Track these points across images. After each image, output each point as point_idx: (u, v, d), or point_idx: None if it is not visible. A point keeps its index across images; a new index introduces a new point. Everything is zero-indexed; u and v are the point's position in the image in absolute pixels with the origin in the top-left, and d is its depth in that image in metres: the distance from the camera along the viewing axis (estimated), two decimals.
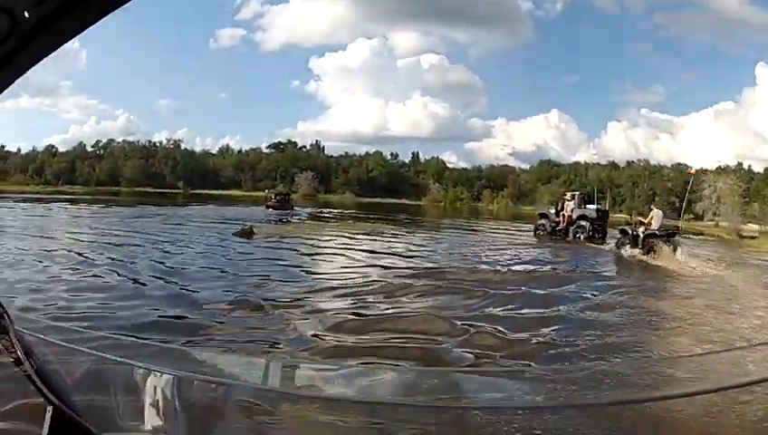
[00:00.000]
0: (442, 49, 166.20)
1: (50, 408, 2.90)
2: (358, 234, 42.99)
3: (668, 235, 33.50)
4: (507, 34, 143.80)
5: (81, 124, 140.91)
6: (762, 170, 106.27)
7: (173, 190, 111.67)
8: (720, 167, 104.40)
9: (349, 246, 35.77)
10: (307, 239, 38.01)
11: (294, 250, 30.14)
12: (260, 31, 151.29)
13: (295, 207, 69.09)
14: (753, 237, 71.49)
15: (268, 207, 66.19)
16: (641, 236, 33.38)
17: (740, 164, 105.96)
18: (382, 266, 27.70)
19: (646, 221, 34.87)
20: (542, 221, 44.50)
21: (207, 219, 42.58)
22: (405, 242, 38.78)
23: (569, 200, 44.15)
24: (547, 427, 7.27)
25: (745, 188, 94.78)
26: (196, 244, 27.89)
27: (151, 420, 3.91)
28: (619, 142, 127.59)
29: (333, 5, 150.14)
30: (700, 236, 67.77)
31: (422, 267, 28.77)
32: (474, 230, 53.16)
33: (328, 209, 78.03)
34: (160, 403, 3.96)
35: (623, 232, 36.56)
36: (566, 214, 42.82)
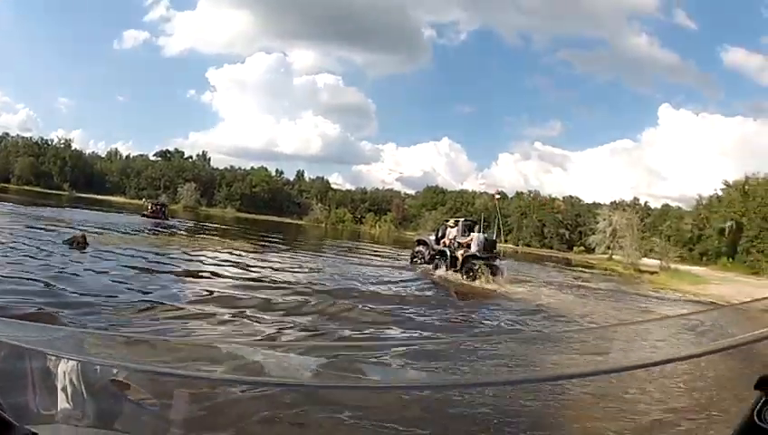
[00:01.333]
0: (339, 70, 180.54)
1: None
2: (220, 249, 38.65)
3: (489, 258, 33.56)
4: (406, 60, 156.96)
5: None
6: (659, 206, 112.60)
7: (59, 192, 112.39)
8: (615, 202, 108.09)
9: (198, 260, 31.66)
10: (158, 251, 32.67)
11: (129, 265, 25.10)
12: (164, 35, 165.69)
13: (172, 219, 68.55)
14: (652, 272, 69.71)
15: (144, 216, 65.49)
16: (460, 258, 33.11)
17: (636, 199, 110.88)
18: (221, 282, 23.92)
19: (464, 243, 34.73)
20: (420, 248, 39.42)
21: (63, 224, 40.41)
22: (262, 261, 34.42)
23: (451, 227, 39.04)
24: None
25: (643, 224, 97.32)
26: (17, 250, 25.21)
27: (62, 406, 3.67)
28: (510, 174, 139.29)
29: (238, 17, 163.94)
30: (588, 270, 65.94)
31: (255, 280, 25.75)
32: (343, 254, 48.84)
33: (204, 223, 75.88)
34: (68, 389, 3.70)
35: (441, 253, 35.79)
36: (447, 241, 37.91)
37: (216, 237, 50.08)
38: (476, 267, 33.04)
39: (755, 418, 1.95)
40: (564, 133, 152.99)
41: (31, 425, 2.75)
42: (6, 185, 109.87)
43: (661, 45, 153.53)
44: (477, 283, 32.17)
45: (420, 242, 39.58)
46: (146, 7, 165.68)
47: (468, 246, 34.86)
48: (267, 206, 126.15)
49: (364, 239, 76.60)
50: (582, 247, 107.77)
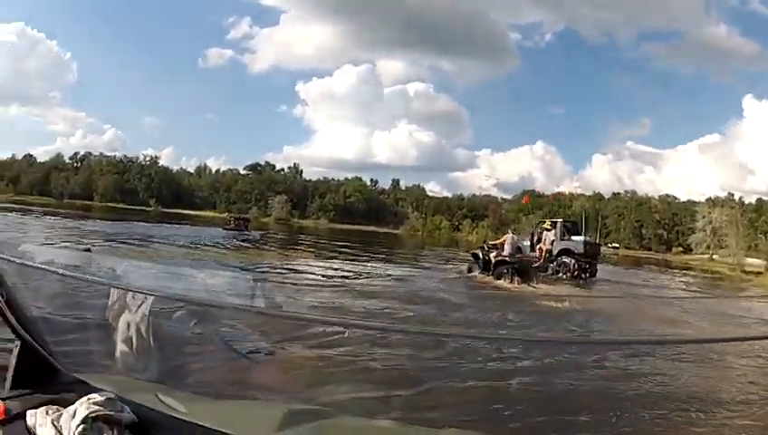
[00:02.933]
0: (428, 78, 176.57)
1: (17, 342, 2.94)
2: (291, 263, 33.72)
3: (521, 263, 30.13)
4: (494, 64, 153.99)
5: (68, 137, 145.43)
6: (753, 201, 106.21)
7: (145, 208, 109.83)
8: (710, 199, 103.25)
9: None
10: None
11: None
12: (248, 53, 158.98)
13: (256, 232, 65.97)
14: (757, 273, 62.83)
15: (226, 229, 63.63)
16: (492, 261, 30.11)
17: (731, 195, 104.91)
18: None
19: (497, 244, 31.70)
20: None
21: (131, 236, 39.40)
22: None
23: (548, 230, 35.21)
24: None
25: (746, 220, 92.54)
26: None
27: (123, 359, 4.00)
28: (604, 175, 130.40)
29: (322, 31, 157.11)
30: (685, 272, 61.04)
31: None
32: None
33: (295, 235, 74.74)
34: (134, 341, 4.06)
35: (475, 256, 32.85)
36: (544, 247, 34.04)
37: (302, 251, 46.87)
38: (505, 271, 29.30)
39: None
40: (653, 131, 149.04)
41: (80, 373, 2.99)
42: (90, 203, 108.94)
43: (741, 34, 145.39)
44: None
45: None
46: (228, 26, 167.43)
47: (501, 248, 30.90)
48: (362, 216, 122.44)
49: (461, 247, 70.95)
50: (681, 248, 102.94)
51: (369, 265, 35.65)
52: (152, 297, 4.09)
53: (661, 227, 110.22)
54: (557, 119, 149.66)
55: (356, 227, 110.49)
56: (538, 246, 34.37)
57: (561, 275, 33.26)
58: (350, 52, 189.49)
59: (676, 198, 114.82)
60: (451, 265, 38.81)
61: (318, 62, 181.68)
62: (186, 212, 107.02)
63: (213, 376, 6.54)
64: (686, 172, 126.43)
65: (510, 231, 32.57)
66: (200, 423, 2.53)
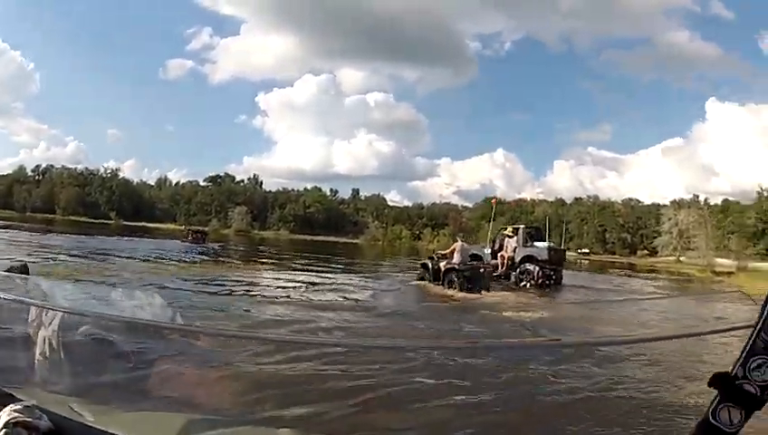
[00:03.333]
0: (389, 87, 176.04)
1: None
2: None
3: (471, 271, 28.55)
4: (454, 73, 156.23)
5: (32, 149, 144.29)
6: (718, 203, 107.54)
7: (106, 221, 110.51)
8: (675, 201, 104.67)
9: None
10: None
11: None
12: (209, 63, 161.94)
13: (213, 244, 65.34)
14: (728, 273, 62.27)
15: (183, 242, 63.24)
16: (442, 269, 28.93)
17: (696, 197, 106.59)
18: None
19: (447, 253, 30.08)
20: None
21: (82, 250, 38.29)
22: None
23: (510, 236, 34.17)
24: None
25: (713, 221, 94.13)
26: None
27: (41, 371, 4.29)
28: (566, 180, 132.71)
29: (282, 41, 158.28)
30: (656, 275, 60.75)
31: None
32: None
33: (256, 247, 71.58)
34: (47, 354, 4.37)
35: (424, 266, 31.30)
36: (506, 254, 33.16)
37: (263, 262, 45.33)
38: (455, 279, 28.09)
39: (710, 417, 1.81)
40: (615, 136, 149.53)
41: (8, 386, 3.00)
42: (52, 216, 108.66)
43: (702, 38, 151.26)
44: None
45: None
46: (188, 36, 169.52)
47: (451, 256, 29.32)
48: (322, 226, 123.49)
49: (422, 255, 71.33)
50: (646, 251, 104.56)
51: (327, 275, 35.11)
52: (61, 313, 4.58)
53: (625, 231, 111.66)
54: (518, 126, 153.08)
55: (317, 237, 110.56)
56: (500, 254, 33.79)
57: (524, 283, 32.37)
58: (311, 61, 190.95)
59: (639, 202, 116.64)
60: (406, 276, 36.49)
61: (278, 72, 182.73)
62: (147, 225, 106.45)
63: (121, 387, 6.39)
64: (649, 176, 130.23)
65: (459, 239, 30.91)
66: (108, 431, 2.71)
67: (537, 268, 32.58)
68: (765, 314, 1.75)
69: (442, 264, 29.38)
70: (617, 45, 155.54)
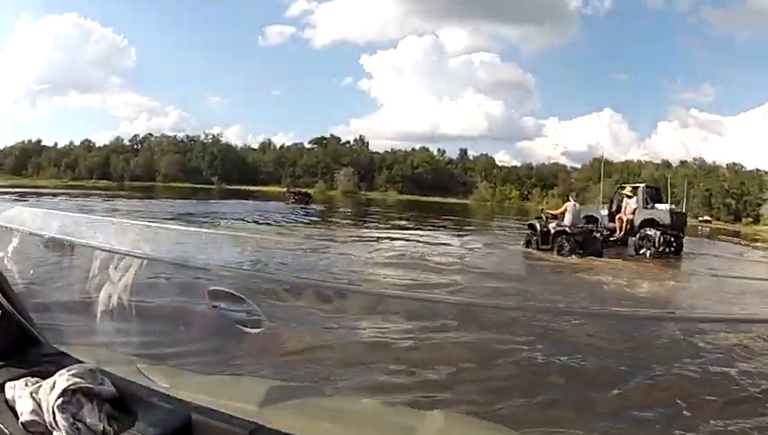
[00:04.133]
0: (493, 46, 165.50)
1: None
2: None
3: (583, 234, 26.14)
4: (557, 32, 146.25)
5: (132, 121, 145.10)
6: None
7: (208, 186, 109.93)
8: None
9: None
10: None
11: None
12: (309, 28, 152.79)
13: (315, 206, 65.61)
14: None
15: (288, 204, 63.53)
16: (552, 232, 26.28)
17: None
18: None
19: (557, 213, 27.57)
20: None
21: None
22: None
23: (629, 196, 30.30)
24: None
25: None
26: None
27: (105, 331, 3.89)
28: (670, 143, 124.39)
29: (381, 2, 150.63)
30: (754, 243, 55.69)
31: None
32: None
33: (363, 208, 73.98)
34: (114, 314, 3.85)
35: (531, 227, 28.25)
36: (624, 217, 29.44)
37: (371, 223, 45.83)
38: (566, 243, 25.86)
39: None
40: (717, 97, 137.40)
41: (62, 344, 3.07)
42: (152, 183, 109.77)
43: None
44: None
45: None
46: (285, 2, 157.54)
47: (561, 217, 27.16)
48: (430, 187, 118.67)
49: (531, 216, 67.10)
50: (750, 218, 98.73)
51: (435, 235, 34.06)
52: (137, 263, 3.83)
53: (730, 197, 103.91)
54: (622, 86, 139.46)
55: (425, 198, 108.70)
56: (617, 216, 29.79)
57: (644, 250, 28.51)
58: (412, 22, 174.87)
59: (743, 167, 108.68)
60: (513, 237, 34.84)
61: (380, 34, 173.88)
62: (250, 188, 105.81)
63: (197, 349, 6.01)
64: (751, 139, 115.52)
65: (571, 198, 27.63)
66: (181, 398, 2.53)
67: (658, 233, 28.69)
68: None
69: (551, 225, 26.83)
70: (712, 3, 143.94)
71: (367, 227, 39.47)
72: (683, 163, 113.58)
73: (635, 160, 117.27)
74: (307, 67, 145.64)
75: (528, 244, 27.35)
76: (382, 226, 41.08)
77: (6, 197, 56.27)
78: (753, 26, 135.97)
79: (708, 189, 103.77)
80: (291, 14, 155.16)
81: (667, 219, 28.92)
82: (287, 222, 36.82)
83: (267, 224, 37.00)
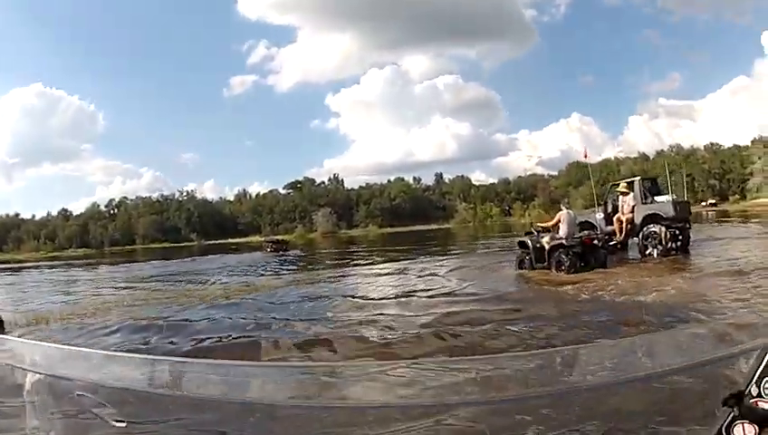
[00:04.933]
0: (454, 68, 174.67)
1: None
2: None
3: (582, 244, 21.68)
4: (515, 44, 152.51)
5: (107, 185, 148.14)
6: None
7: (188, 243, 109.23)
8: (757, 139, 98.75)
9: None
10: None
11: None
12: (271, 74, 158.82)
13: (293, 251, 61.52)
14: None
15: (266, 253, 60.17)
16: (546, 247, 22.01)
17: None
18: None
19: (550, 225, 23.02)
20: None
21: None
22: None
23: (624, 193, 25.86)
24: None
25: None
26: None
27: (30, 420, 3.76)
28: (643, 135, 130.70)
29: (340, 40, 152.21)
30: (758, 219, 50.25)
31: None
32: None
33: (345, 247, 66.15)
34: (37, 403, 3.77)
35: (522, 245, 23.67)
36: (623, 217, 25.33)
37: (352, 261, 41.43)
38: (565, 258, 21.39)
39: (723, 432, 1.99)
40: (683, 83, 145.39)
41: None
42: (132, 247, 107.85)
43: None
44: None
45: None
46: (246, 51, 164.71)
47: (555, 229, 22.54)
48: (410, 216, 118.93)
49: (515, 231, 65.68)
50: (737, 196, 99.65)
51: (419, 264, 30.71)
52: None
53: (713, 177, 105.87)
54: (587, 88, 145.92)
55: (406, 228, 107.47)
56: (615, 218, 25.51)
57: (650, 250, 24.22)
58: (372, 55, 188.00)
59: (720, 146, 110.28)
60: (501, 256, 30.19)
61: (342, 71, 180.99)
62: (229, 241, 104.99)
63: None
64: (722, 119, 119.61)
65: (563, 206, 23.32)
66: None
67: (664, 229, 24.45)
68: None
69: (545, 239, 22.34)
70: None
71: (348, 265, 37.67)
72: (659, 153, 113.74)
73: (612, 158, 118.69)
74: (274, 113, 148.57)
75: (521, 264, 23.32)
76: (365, 262, 39.23)
77: None
78: (710, 7, 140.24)
79: (689, 174, 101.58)
80: (252, 61, 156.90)
81: (671, 211, 23.13)
82: (260, 274, 35.18)
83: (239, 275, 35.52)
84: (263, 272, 34.56)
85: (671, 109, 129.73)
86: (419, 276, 24.92)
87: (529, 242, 22.72)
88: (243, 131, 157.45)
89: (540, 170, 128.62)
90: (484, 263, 28.77)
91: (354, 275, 30.28)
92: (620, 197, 25.02)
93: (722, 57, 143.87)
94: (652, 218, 23.91)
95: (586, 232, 23.12)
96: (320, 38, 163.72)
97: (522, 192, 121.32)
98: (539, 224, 23.67)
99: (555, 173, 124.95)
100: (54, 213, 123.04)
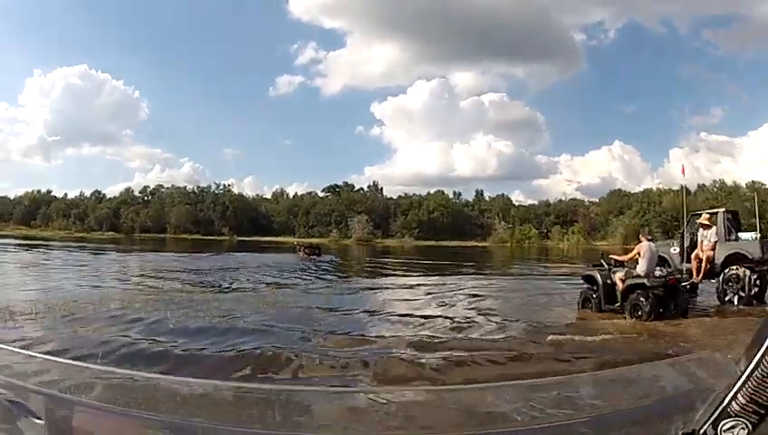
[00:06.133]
0: (501, 86, 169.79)
1: None
2: None
3: (665, 286, 17.16)
4: (563, 67, 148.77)
5: (146, 173, 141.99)
6: None
7: (220, 237, 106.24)
8: None
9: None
10: None
11: None
12: (318, 77, 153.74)
13: (326, 256, 57.69)
14: None
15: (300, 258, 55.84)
16: (620, 286, 17.65)
17: None
18: None
19: (626, 259, 18.64)
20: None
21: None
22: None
23: (706, 226, 21.48)
24: None
25: None
26: None
27: None
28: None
29: (389, 49, 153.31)
30: None
31: None
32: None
33: (379, 257, 64.56)
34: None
35: (588, 279, 19.18)
36: (703, 254, 20.81)
37: (387, 274, 40.18)
38: (643, 302, 16.80)
39: None
40: (725, 118, 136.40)
41: None
42: (162, 235, 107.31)
43: None
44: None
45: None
46: (294, 52, 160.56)
47: (634, 261, 18.20)
48: (447, 230, 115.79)
49: (552, 256, 61.39)
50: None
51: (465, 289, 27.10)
52: None
53: (753, 216, 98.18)
54: (630, 116, 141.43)
55: (442, 243, 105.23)
56: (693, 254, 20.84)
57: (729, 296, 19.65)
58: (420, 67, 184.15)
59: (763, 184, 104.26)
60: (556, 291, 25.35)
61: (389, 80, 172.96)
62: (262, 239, 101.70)
63: None
64: (762, 157, 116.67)
65: (643, 237, 18.77)
66: None
67: (748, 273, 19.68)
68: (747, 372, 1.68)
69: (618, 275, 17.80)
70: (714, 24, 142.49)
71: (388, 275, 36.81)
72: (701, 187, 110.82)
73: (654, 189, 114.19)
74: (318, 116, 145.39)
75: (585, 303, 18.75)
76: (410, 274, 38.03)
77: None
78: (755, 42, 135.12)
79: (731, 211, 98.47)
80: (300, 62, 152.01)
81: (757, 252, 19.00)
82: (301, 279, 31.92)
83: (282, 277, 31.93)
84: (304, 277, 31.96)
85: (711, 144, 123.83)
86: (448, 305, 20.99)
87: (598, 277, 18.25)
88: (286, 131, 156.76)
89: (579, 196, 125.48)
90: (533, 294, 24.59)
91: (391, 288, 29.00)
92: (700, 230, 20.01)
93: (763, 94, 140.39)
94: (736, 258, 19.01)
95: (664, 270, 18.38)
96: (369, 45, 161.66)
97: (561, 216, 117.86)
98: (612, 256, 18.49)
99: (595, 199, 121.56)
100: (88, 194, 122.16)
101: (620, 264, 17.59)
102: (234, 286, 27.24)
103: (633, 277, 16.50)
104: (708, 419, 1.59)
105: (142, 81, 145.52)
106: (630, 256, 17.37)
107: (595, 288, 18.06)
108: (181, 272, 33.08)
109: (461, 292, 24.45)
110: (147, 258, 47.52)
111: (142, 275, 31.65)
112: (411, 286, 28.63)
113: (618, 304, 16.74)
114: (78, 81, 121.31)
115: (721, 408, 1.58)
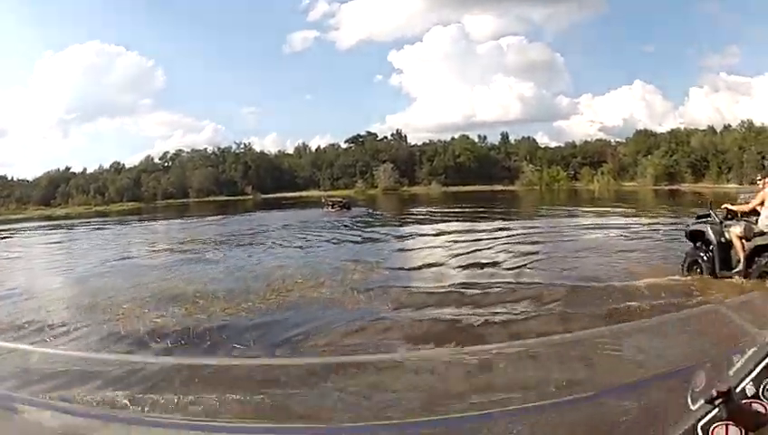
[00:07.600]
0: (519, 29, 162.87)
1: None
2: None
3: None
4: (581, 7, 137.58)
5: (166, 139, 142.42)
6: None
7: (243, 197, 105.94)
8: None
9: None
10: None
11: None
12: (332, 30, 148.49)
13: (355, 210, 57.52)
14: None
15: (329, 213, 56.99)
16: (737, 244, 14.03)
17: None
18: None
19: (745, 209, 14.69)
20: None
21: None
22: None
23: None
24: None
25: None
26: None
27: None
28: (703, 109, 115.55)
29: None
30: None
31: None
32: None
33: (410, 205, 67.21)
34: None
35: (695, 236, 15.46)
36: None
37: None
38: None
39: (699, 431, 1.84)
40: (743, 58, 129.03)
41: None
42: (186, 200, 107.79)
43: None
44: None
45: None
46: (305, 7, 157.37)
47: (753, 213, 14.45)
48: (475, 175, 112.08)
49: (583, 199, 59.16)
50: None
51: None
52: None
53: None
54: (650, 55, 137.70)
55: (469, 187, 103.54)
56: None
57: None
58: (436, 13, 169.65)
59: None
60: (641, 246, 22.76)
61: (405, 28, 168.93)
62: (286, 195, 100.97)
63: None
64: None
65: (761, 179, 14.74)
66: None
67: None
68: None
69: (735, 231, 14.10)
70: None
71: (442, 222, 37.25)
72: (726, 128, 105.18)
73: (682, 129, 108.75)
74: (336, 69, 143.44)
75: (692, 266, 15.23)
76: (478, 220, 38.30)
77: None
78: None
79: (761, 152, 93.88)
80: (312, 17, 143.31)
81: None
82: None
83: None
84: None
85: (731, 83, 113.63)
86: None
87: (711, 234, 14.58)
88: (304, 87, 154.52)
89: (601, 136, 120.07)
90: (607, 250, 20.66)
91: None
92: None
93: None
94: None
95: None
96: None
97: (588, 157, 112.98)
98: (727, 205, 14.32)
99: (621, 140, 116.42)
100: (107, 167, 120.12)
101: (737, 215, 13.81)
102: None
103: (756, 234, 12.77)
104: (747, 375, 1.48)
105: (156, 50, 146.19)
106: (754, 204, 13.47)
107: (705, 248, 14.77)
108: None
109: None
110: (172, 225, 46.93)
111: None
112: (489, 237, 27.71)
113: (736, 269, 13.23)
114: (93, 57, 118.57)
115: (764, 364, 1.46)
